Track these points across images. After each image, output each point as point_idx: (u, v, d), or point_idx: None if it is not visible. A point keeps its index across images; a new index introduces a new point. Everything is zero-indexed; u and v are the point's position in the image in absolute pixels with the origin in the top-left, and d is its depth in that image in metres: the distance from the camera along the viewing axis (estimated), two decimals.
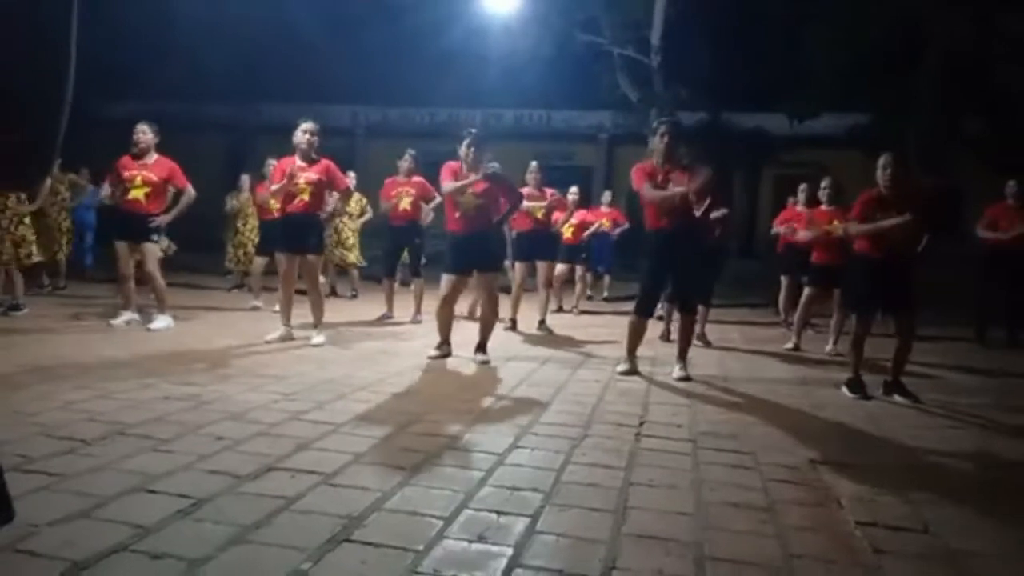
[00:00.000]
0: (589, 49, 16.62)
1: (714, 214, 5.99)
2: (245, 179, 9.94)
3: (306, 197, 5.85)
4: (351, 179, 8.37)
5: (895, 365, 4.90)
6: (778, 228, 8.12)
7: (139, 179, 6.28)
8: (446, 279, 5.50)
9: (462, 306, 7.02)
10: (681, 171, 5.08)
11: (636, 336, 5.33)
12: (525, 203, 7.07)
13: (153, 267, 6.40)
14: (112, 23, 16.08)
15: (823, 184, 7.04)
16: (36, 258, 7.17)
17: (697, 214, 5.37)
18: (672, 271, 5.24)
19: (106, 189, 7.21)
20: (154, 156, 6.40)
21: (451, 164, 5.46)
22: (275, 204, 8.12)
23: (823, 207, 7.01)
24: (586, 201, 11.57)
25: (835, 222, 6.67)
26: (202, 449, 2.97)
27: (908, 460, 3.48)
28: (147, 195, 6.29)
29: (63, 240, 9.20)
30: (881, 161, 4.95)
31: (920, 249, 5.12)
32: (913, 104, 13.72)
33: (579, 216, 10.07)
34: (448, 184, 5.36)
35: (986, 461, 3.55)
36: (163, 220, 6.41)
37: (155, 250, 6.42)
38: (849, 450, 3.58)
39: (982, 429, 4.23)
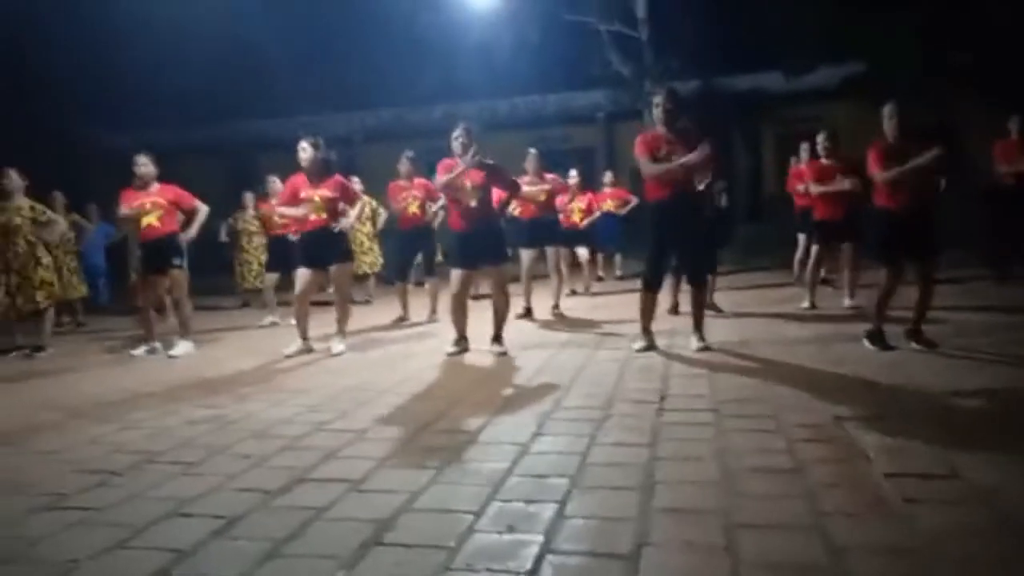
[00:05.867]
0: (577, 29, 16.52)
1: (716, 186, 5.98)
2: (248, 197, 9.99)
3: (323, 214, 5.92)
4: (356, 184, 8.40)
5: (918, 313, 4.84)
6: (799, 188, 8.11)
7: (148, 205, 6.36)
8: (455, 275, 5.51)
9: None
10: (683, 138, 5.04)
11: (648, 311, 5.31)
12: (525, 189, 7.06)
13: (182, 294, 6.57)
14: (105, 54, 16.18)
15: (819, 138, 6.98)
16: (50, 301, 7.17)
17: (700, 187, 5.35)
18: (676, 242, 5.21)
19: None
20: (156, 185, 6.46)
21: (446, 161, 5.46)
22: (279, 220, 8.23)
23: (823, 161, 6.94)
24: (590, 183, 11.51)
25: (838, 176, 6.62)
26: (230, 468, 3.01)
27: (932, 406, 3.46)
28: (160, 218, 6.39)
29: (74, 279, 9.28)
30: (886, 111, 4.89)
31: (938, 191, 5.06)
32: (902, 43, 13.50)
33: (586, 200, 10.04)
34: (439, 178, 5.39)
35: (1010, 400, 3.52)
36: (186, 237, 6.52)
37: (183, 277, 6.54)
38: (872, 402, 3.56)
39: (1003, 367, 4.20)
